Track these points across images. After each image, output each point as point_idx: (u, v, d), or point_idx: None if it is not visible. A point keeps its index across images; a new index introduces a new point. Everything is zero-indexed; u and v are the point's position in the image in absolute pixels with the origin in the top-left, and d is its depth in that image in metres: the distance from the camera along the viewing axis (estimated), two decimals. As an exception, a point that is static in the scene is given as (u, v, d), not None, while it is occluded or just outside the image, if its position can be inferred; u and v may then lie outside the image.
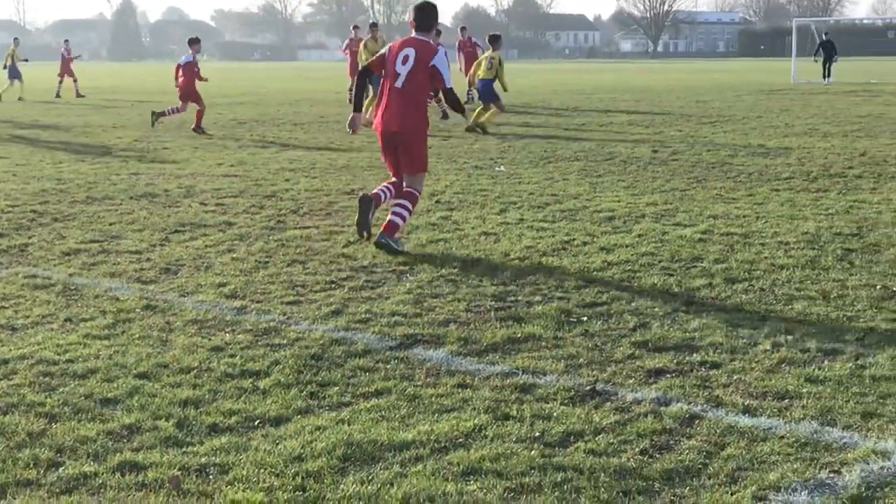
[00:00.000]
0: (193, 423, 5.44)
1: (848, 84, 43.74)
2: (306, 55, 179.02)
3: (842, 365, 6.23)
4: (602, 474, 4.74)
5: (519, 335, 6.95)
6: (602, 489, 4.60)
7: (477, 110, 22.69)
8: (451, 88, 10.18)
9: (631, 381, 6.04)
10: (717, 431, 5.24)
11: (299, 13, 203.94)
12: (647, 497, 4.55)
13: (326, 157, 17.96)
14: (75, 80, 39.80)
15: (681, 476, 4.74)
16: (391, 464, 4.89)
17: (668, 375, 6.13)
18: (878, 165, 15.71)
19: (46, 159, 17.72)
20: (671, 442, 5.13)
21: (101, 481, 4.74)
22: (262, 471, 4.81)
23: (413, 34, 10.13)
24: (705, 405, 5.63)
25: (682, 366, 6.30)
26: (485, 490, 4.62)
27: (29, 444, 5.15)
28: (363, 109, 10.94)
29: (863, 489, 4.57)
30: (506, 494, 4.58)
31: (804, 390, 5.80)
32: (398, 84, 9.96)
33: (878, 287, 8.09)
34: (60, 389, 5.95)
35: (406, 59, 9.97)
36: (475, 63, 24.27)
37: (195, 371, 6.27)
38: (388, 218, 9.85)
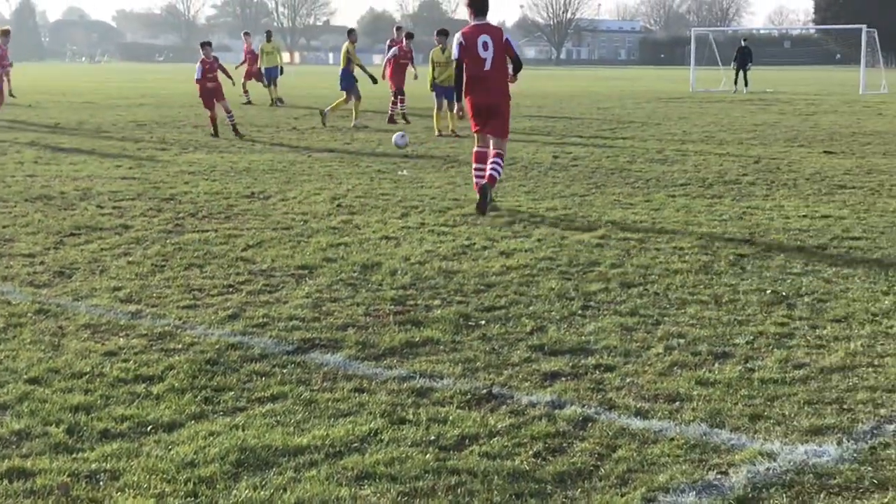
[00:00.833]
0: (84, 428, 5.36)
1: (746, 93, 44.58)
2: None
3: (731, 368, 6.36)
4: (496, 477, 4.77)
5: (417, 339, 6.97)
6: (495, 492, 4.64)
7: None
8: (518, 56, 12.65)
9: (527, 385, 6.09)
10: (610, 434, 5.31)
11: (202, 15, 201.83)
12: (539, 500, 4.59)
13: (227, 159, 17.81)
14: None
15: (573, 478, 4.80)
16: (285, 469, 4.87)
17: (563, 379, 6.20)
18: (771, 173, 16.06)
19: (-62, 160, 17.30)
20: (564, 444, 5.19)
21: (-13, 489, 4.64)
22: (153, 477, 4.76)
23: (473, 21, 12.11)
24: (598, 408, 5.70)
25: (576, 369, 6.37)
26: (378, 494, 4.62)
27: (-87, 451, 5.03)
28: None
29: (749, 490, 4.67)
30: (399, 498, 4.59)
31: (695, 393, 5.91)
32: (487, 67, 12.10)
33: (768, 292, 8.27)
34: (-53, 395, 5.82)
35: (486, 45, 12.03)
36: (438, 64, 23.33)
37: (87, 376, 6.18)
38: (488, 173, 12.05)
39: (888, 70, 63.45)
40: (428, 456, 5.01)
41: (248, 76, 35.46)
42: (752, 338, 7.02)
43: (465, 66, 12.22)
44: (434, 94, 22.90)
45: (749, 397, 5.84)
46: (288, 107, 33.38)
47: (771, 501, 4.57)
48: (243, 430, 5.32)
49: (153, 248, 9.95)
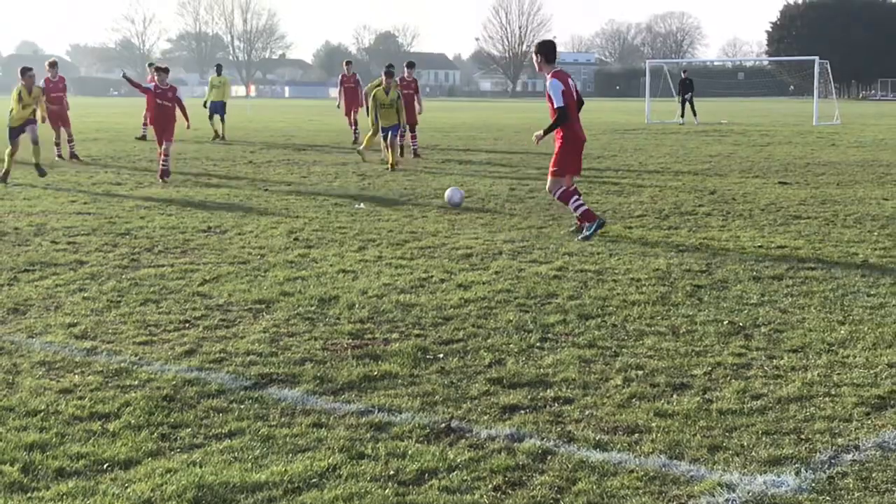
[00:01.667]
0: (39, 467, 5.29)
1: (699, 124, 44.97)
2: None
3: (690, 399, 6.38)
4: (455, 512, 4.75)
5: (375, 373, 6.94)
6: (455, 527, 4.61)
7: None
8: None
9: (485, 418, 6.08)
10: (569, 466, 5.31)
11: (158, 49, 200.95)
12: (499, 533, 4.58)
13: (182, 193, 17.72)
14: None
15: (533, 512, 4.78)
16: (243, 506, 4.82)
17: (522, 411, 6.19)
18: (726, 203, 16.18)
19: None
20: (524, 478, 5.18)
21: (-62, 531, 4.56)
22: (109, 516, 4.70)
23: (548, 67, 12.79)
24: (558, 440, 5.70)
25: (535, 402, 6.37)
26: (338, 530, 4.59)
27: None
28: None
29: (708, 521, 4.68)
30: (359, 534, 4.56)
31: (653, 424, 5.92)
32: (578, 110, 13.03)
33: (725, 322, 8.32)
34: None
35: (575, 87, 13.04)
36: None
37: (42, 414, 6.10)
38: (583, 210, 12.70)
39: (841, 101, 64.25)
40: (387, 491, 4.98)
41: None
42: (709, 368, 7.05)
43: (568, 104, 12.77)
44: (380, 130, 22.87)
45: (707, 428, 5.86)
46: (243, 141, 33.27)
47: (730, 533, 4.58)
48: (201, 467, 5.27)
49: (108, 284, 9.87)
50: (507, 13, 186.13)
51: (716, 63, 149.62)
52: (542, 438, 5.72)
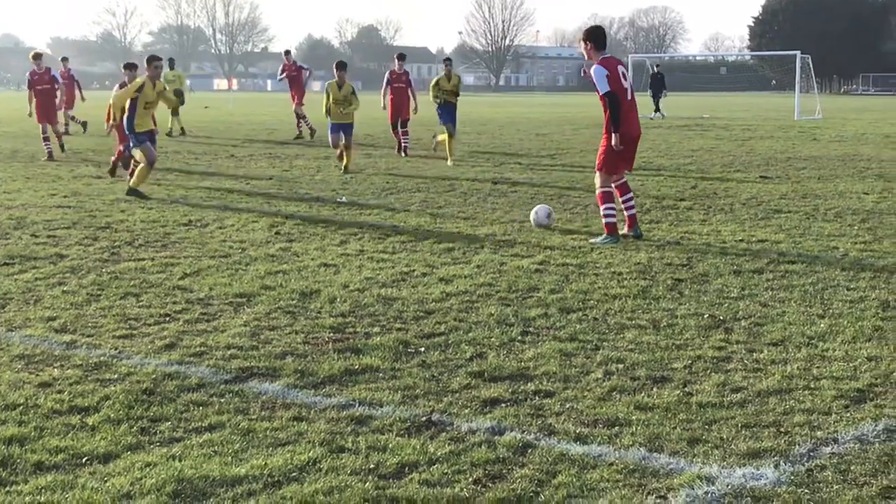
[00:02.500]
0: (18, 461, 5.26)
1: (681, 119, 45.10)
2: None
3: (670, 392, 6.40)
4: (435, 505, 4.75)
5: (356, 367, 6.94)
6: (435, 520, 4.61)
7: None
8: None
9: (466, 411, 6.08)
10: (550, 459, 5.31)
11: (139, 42, 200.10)
12: (479, 526, 4.58)
13: (164, 187, 17.66)
14: None
15: (513, 505, 4.79)
16: (222, 499, 4.81)
17: (503, 405, 6.20)
18: (708, 198, 16.22)
19: None
20: (504, 471, 5.18)
21: (-84, 525, 4.54)
22: (88, 510, 4.69)
23: (597, 54, 11.97)
24: (538, 433, 5.70)
25: (516, 395, 6.37)
26: (318, 524, 4.58)
27: None
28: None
29: (688, 513, 4.69)
30: (339, 528, 4.55)
31: (634, 417, 5.93)
32: (629, 97, 12.05)
33: (705, 316, 8.34)
34: None
35: (624, 74, 12.01)
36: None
37: (21, 407, 6.08)
38: (633, 213, 12.27)
39: (822, 96, 64.45)
40: (367, 484, 4.97)
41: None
42: (690, 362, 7.07)
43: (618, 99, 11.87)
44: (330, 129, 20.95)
45: (687, 421, 5.88)
46: (225, 135, 33.18)
47: (710, 525, 4.59)
48: (180, 461, 5.25)
49: (88, 278, 9.83)
50: (490, 7, 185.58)
51: (698, 58, 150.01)
52: (523, 431, 5.72)
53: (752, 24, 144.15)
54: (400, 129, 25.22)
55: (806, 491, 4.92)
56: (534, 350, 7.36)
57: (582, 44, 12.23)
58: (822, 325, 8.02)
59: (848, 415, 5.99)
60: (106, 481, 5.01)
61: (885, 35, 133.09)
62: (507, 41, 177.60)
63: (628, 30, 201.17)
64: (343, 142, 20.54)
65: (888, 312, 8.44)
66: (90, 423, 5.83)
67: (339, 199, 15.93)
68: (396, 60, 26.01)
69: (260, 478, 5.05)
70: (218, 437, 5.62)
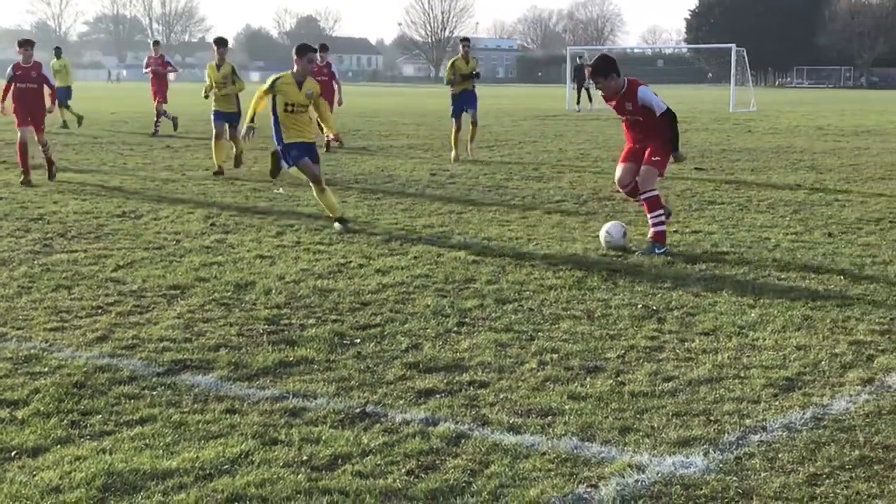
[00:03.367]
0: (-56, 456, 5.19)
1: (593, 110, 45.23)
2: (83, 75, 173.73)
3: (603, 382, 6.45)
4: (367, 496, 4.76)
5: (291, 358, 6.92)
6: (367, 511, 4.62)
7: None
8: None
9: (401, 403, 6.09)
10: (483, 450, 5.33)
11: (74, 31, 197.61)
12: (411, 517, 4.59)
13: (97, 178, 17.47)
14: None
15: (445, 495, 4.80)
16: (153, 493, 4.78)
17: (438, 396, 6.21)
18: (644, 189, 16.31)
19: None
20: (437, 462, 5.19)
21: None
22: (16, 503, 4.63)
23: (620, 78, 11.40)
24: (472, 424, 5.72)
25: (451, 386, 6.39)
26: (249, 516, 4.57)
27: None
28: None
29: (618, 502, 4.73)
30: (271, 520, 4.54)
31: (567, 407, 5.98)
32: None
33: (639, 306, 8.41)
34: None
35: None
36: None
37: (-52, 402, 5.99)
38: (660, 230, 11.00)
39: (757, 88, 65.10)
40: (300, 476, 4.96)
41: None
42: (623, 352, 7.13)
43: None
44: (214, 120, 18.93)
45: (619, 410, 5.93)
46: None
47: (640, 513, 4.64)
48: (111, 454, 5.21)
49: (20, 270, 9.70)
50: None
51: (636, 50, 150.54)
52: (457, 422, 5.74)
53: (689, 17, 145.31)
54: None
55: (734, 478, 4.98)
56: (469, 341, 7.38)
57: (603, 79, 11.27)
58: (752, 315, 8.13)
59: (776, 403, 6.08)
60: (35, 475, 4.96)
61: (819, 29, 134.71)
62: (447, 32, 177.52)
63: (567, 22, 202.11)
64: (227, 133, 18.53)
65: (817, 302, 8.56)
66: (19, 417, 5.76)
67: (276, 191, 15.84)
68: (319, 52, 25.29)
69: (191, 471, 5.02)
70: (149, 430, 5.58)
